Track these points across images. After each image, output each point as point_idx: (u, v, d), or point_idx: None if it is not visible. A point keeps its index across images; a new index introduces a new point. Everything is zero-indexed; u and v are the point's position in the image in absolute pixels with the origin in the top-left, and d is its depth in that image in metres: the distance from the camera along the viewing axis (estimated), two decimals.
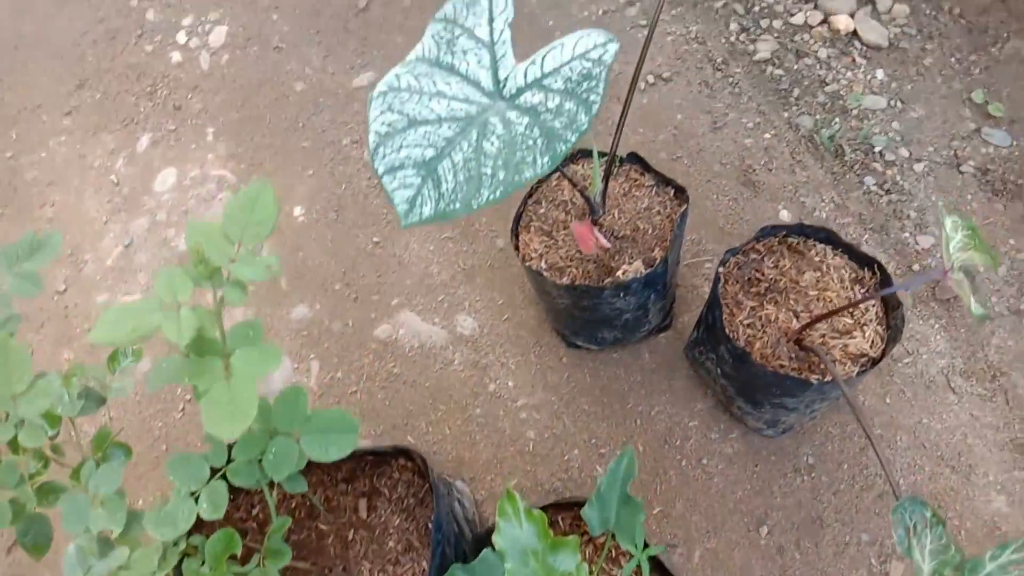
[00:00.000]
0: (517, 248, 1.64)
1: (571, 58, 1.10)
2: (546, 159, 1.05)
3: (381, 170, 1.13)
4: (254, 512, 1.44)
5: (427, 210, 1.08)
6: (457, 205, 1.07)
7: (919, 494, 1.70)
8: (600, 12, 2.20)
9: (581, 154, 1.72)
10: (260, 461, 1.19)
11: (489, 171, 1.08)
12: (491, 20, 1.16)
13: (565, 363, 1.87)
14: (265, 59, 2.26)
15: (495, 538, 1.21)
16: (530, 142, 1.08)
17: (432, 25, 1.20)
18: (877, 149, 1.99)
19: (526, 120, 1.10)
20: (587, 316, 1.69)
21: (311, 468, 1.46)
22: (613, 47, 1.09)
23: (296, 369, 1.92)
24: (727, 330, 1.54)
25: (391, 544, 1.42)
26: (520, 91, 1.12)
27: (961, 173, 1.97)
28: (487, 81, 1.15)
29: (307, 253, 2.03)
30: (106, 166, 2.19)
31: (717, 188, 1.99)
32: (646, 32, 2.11)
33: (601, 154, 1.69)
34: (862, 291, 1.57)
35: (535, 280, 1.64)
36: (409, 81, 1.15)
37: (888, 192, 1.95)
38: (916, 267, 1.89)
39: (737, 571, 1.67)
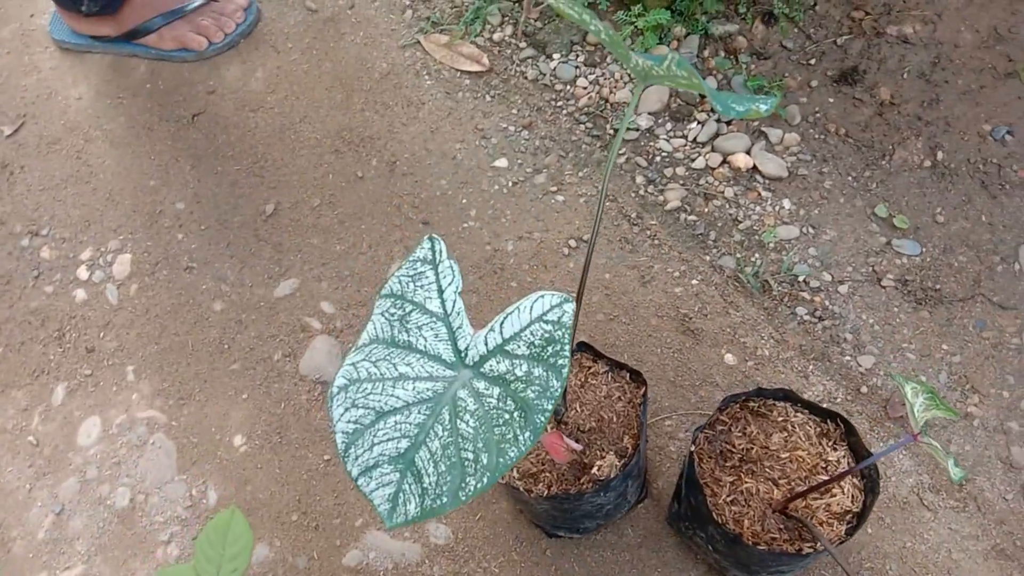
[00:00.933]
0: None
1: (530, 322, 1.09)
2: (527, 434, 1.02)
3: (355, 472, 1.07)
4: None
5: (412, 508, 1.03)
6: (444, 499, 1.02)
7: None
8: (510, 184, 2.22)
9: None
10: None
11: (471, 455, 1.04)
12: (441, 292, 1.14)
13: (549, 556, 1.81)
14: (177, 282, 2.18)
15: None
16: (506, 415, 1.05)
17: (379, 302, 1.17)
18: (801, 278, 2.06)
19: (497, 391, 1.07)
20: (567, 515, 1.65)
21: None
22: (569, 307, 1.08)
23: None
24: (714, 514, 1.52)
25: None
26: (484, 359, 1.10)
27: (883, 288, 2.05)
28: (448, 353, 1.12)
29: (256, 485, 1.92)
30: (21, 427, 2.04)
31: (659, 342, 2.01)
32: (559, 197, 2.16)
33: None
34: (829, 444, 1.59)
35: (511, 494, 1.60)
36: (368, 369, 1.11)
37: (821, 319, 2.01)
38: (863, 389, 1.94)
39: None
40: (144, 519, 1.91)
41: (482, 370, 1.10)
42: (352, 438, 1.08)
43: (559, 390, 1.05)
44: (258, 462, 1.95)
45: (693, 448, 1.59)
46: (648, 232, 2.14)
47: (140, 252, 2.24)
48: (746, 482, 1.56)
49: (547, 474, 1.58)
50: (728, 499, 1.55)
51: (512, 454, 1.03)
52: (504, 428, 1.04)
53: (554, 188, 2.21)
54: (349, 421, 1.09)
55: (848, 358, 1.97)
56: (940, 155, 2.18)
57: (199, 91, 2.49)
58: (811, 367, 1.96)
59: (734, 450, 1.60)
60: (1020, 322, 2.00)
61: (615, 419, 1.62)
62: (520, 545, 1.83)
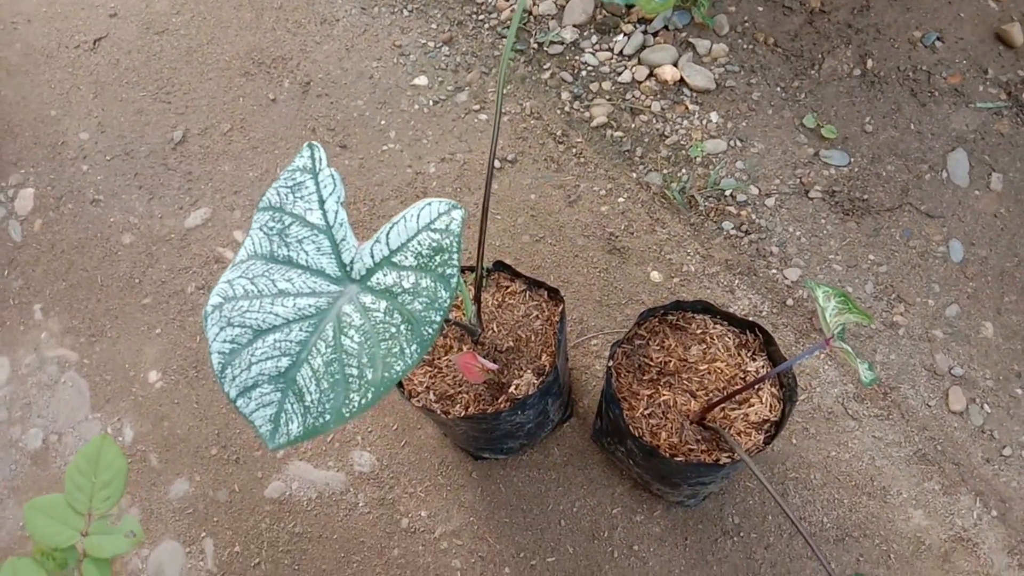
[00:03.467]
0: (401, 386, 1.55)
1: (417, 231, 1.03)
2: (415, 347, 0.97)
3: (233, 393, 1.02)
4: None
5: (294, 427, 0.98)
6: (328, 416, 0.97)
7: (844, 527, 1.73)
8: (431, 103, 2.14)
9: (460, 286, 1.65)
10: None
11: (355, 371, 0.98)
12: (322, 203, 1.07)
13: (476, 478, 1.79)
14: (83, 216, 2.08)
15: None
16: (392, 329, 1.00)
17: (258, 215, 1.10)
18: (727, 192, 2.02)
19: (384, 304, 1.01)
20: (488, 435, 1.62)
21: None
22: (459, 214, 1.02)
23: (189, 553, 1.75)
24: (631, 427, 1.51)
25: None
26: (371, 272, 1.04)
27: (811, 199, 2.02)
28: (332, 267, 1.06)
29: (173, 421, 1.86)
30: None
31: (586, 261, 1.97)
32: (482, 116, 2.08)
33: (469, 269, 1.64)
34: (748, 355, 1.57)
35: (431, 417, 1.56)
36: (244, 286, 1.05)
37: (747, 233, 1.98)
38: (789, 302, 1.92)
39: None
40: (58, 459, 1.85)
41: (369, 284, 1.04)
42: (228, 358, 1.02)
43: (448, 301, 1.00)
44: (175, 397, 1.89)
45: (611, 363, 1.57)
46: (574, 150, 2.08)
47: (43, 186, 2.12)
48: (663, 395, 1.54)
49: (464, 395, 1.54)
50: (646, 412, 1.53)
51: (399, 368, 0.98)
52: (391, 342, 0.99)
53: (477, 106, 2.13)
54: (225, 341, 1.03)
55: (774, 271, 1.95)
56: (870, 63, 2.13)
57: (100, 14, 2.34)
58: (737, 281, 1.94)
59: (652, 364, 1.57)
60: (947, 230, 1.99)
61: (533, 338, 1.58)
62: (446, 469, 1.80)
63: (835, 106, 2.11)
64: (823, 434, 1.80)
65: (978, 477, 1.77)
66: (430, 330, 0.98)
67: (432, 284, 1.01)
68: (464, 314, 1.53)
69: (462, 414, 1.52)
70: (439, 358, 1.58)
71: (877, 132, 2.08)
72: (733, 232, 1.98)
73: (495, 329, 1.59)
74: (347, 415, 0.97)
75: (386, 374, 0.98)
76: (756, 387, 1.53)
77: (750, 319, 1.54)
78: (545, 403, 1.60)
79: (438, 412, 1.51)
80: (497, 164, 2.06)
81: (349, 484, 1.79)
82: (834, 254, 1.97)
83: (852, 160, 2.05)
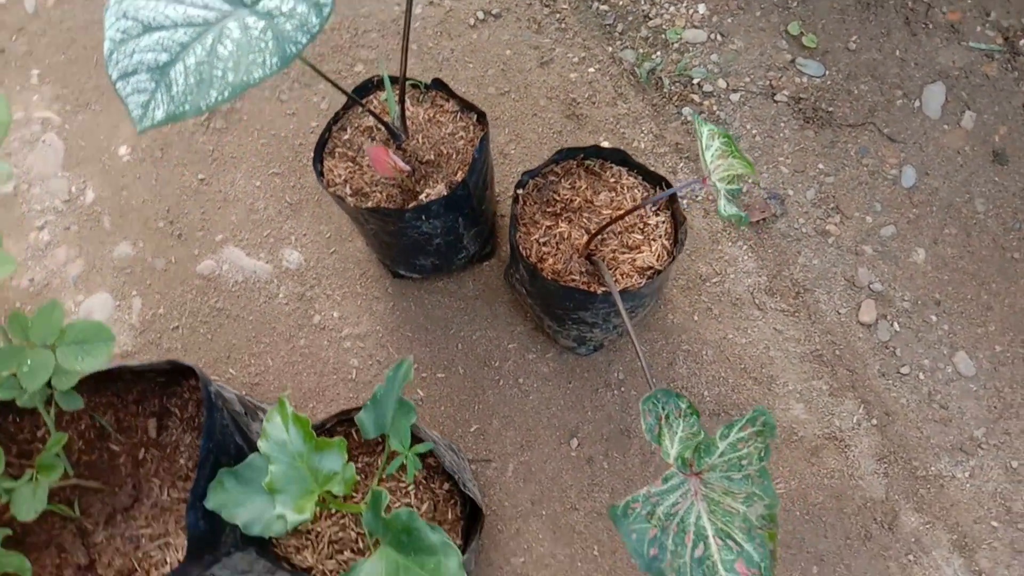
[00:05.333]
0: (321, 174, 1.65)
1: None
2: (275, 59, 1.07)
3: (115, 76, 1.12)
4: (39, 434, 1.43)
5: (159, 113, 1.08)
6: (187, 107, 1.08)
7: (723, 404, 1.79)
8: None
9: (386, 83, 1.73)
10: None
11: (220, 73, 1.08)
12: None
13: (391, 293, 1.90)
14: (94, 0, 2.21)
15: (260, 443, 1.23)
16: (262, 44, 1.09)
17: None
18: (695, 81, 2.05)
19: (262, 24, 1.11)
20: (398, 242, 1.71)
21: (101, 390, 1.46)
22: None
23: (118, 307, 1.90)
24: (521, 248, 1.58)
25: (182, 461, 1.43)
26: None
27: (775, 102, 2.04)
28: None
29: (131, 192, 2.00)
30: None
31: (542, 121, 2.03)
32: None
33: (415, 84, 1.72)
34: (653, 209, 1.63)
35: (340, 205, 1.66)
36: None
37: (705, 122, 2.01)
38: None
39: (548, 481, 1.73)
40: (23, 205, 2.01)
41: (256, 8, 1.13)
42: (118, 46, 1.13)
43: (317, 27, 1.08)
44: (138, 172, 2.02)
45: (520, 191, 1.64)
46: (558, 16, 2.12)
47: None
48: (561, 227, 1.61)
49: (377, 194, 1.63)
50: (541, 240, 1.60)
51: (257, 75, 1.07)
52: (257, 55, 1.09)
53: None
54: (118, 30, 1.13)
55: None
56: None
57: None
58: (681, 164, 1.98)
59: (559, 200, 1.64)
60: (904, 155, 1.99)
61: (454, 155, 1.66)
62: (366, 280, 1.91)
63: (824, 20, 2.10)
64: (726, 317, 1.85)
65: (868, 387, 1.80)
66: (293, 48, 1.08)
67: (306, 10, 1.09)
68: (390, 115, 1.61)
69: (369, 206, 1.61)
70: (362, 157, 1.67)
71: (859, 52, 2.08)
72: (691, 119, 2.02)
73: (420, 141, 1.67)
74: (204, 107, 1.07)
75: (245, 77, 1.07)
76: (651, 237, 1.59)
77: (660, 174, 1.59)
78: (455, 222, 1.68)
79: (350, 203, 1.60)
80: (480, 16, 2.12)
81: (274, 276, 1.91)
82: (784, 157, 1.99)
83: (827, 73, 2.06)
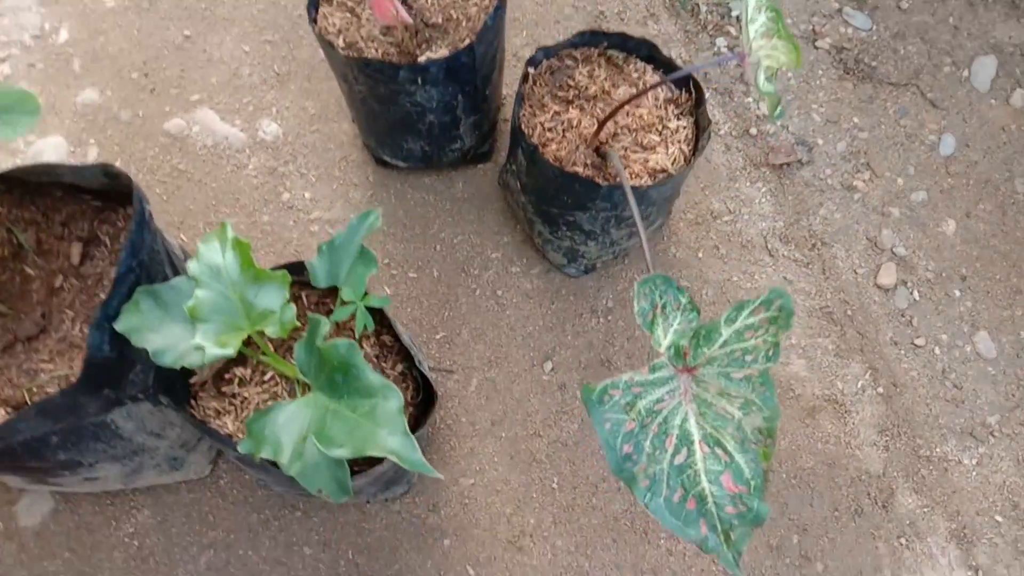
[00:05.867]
0: (315, 22, 1.48)
1: None
2: None
3: None
4: None
5: None
6: None
7: None
8: None
9: None
10: None
11: None
12: None
13: (371, 182, 1.72)
14: None
15: (190, 264, 1.05)
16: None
17: None
18: (734, 13, 1.89)
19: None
20: (387, 113, 1.54)
21: (25, 204, 1.27)
22: None
23: (72, 153, 1.72)
24: (523, 127, 1.41)
25: (102, 296, 1.25)
26: None
27: (816, 48, 1.89)
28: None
29: (109, 39, 1.83)
30: None
31: (564, 31, 1.87)
32: None
33: None
34: (675, 111, 1.46)
35: (329, 55, 1.48)
36: None
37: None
38: (753, 131, 1.80)
39: (513, 402, 1.55)
40: None
41: None
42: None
43: None
44: (120, 20, 1.85)
45: (531, 69, 1.47)
46: None
47: None
48: (571, 113, 1.44)
49: (373, 51, 1.46)
50: (547, 124, 1.43)
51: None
52: None
53: None
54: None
55: (750, 100, 1.82)
56: None
57: None
58: (709, 96, 1.82)
59: (573, 86, 1.47)
60: (945, 123, 1.83)
61: (464, 22, 1.49)
62: (346, 165, 1.73)
63: None
64: (732, 259, 1.68)
65: (878, 354, 1.63)
66: None
67: None
68: None
69: (357, 56, 1.43)
70: (363, 9, 1.50)
71: (911, 12, 1.93)
72: (724, 51, 1.86)
73: (428, 1, 1.50)
74: None
75: None
76: (669, 141, 1.42)
77: (689, 74, 1.43)
78: (454, 98, 1.50)
79: (339, 51, 1.43)
80: None
81: (247, 145, 1.74)
82: (818, 105, 1.83)
83: (873, 27, 1.91)
